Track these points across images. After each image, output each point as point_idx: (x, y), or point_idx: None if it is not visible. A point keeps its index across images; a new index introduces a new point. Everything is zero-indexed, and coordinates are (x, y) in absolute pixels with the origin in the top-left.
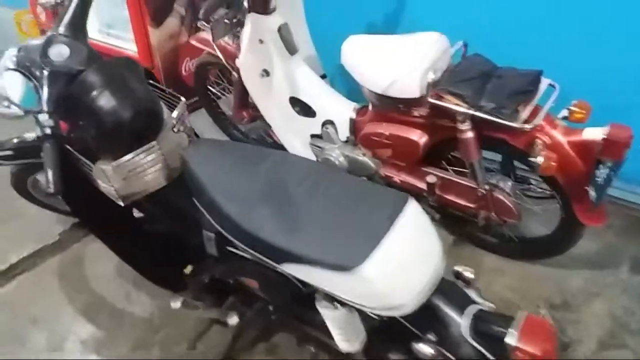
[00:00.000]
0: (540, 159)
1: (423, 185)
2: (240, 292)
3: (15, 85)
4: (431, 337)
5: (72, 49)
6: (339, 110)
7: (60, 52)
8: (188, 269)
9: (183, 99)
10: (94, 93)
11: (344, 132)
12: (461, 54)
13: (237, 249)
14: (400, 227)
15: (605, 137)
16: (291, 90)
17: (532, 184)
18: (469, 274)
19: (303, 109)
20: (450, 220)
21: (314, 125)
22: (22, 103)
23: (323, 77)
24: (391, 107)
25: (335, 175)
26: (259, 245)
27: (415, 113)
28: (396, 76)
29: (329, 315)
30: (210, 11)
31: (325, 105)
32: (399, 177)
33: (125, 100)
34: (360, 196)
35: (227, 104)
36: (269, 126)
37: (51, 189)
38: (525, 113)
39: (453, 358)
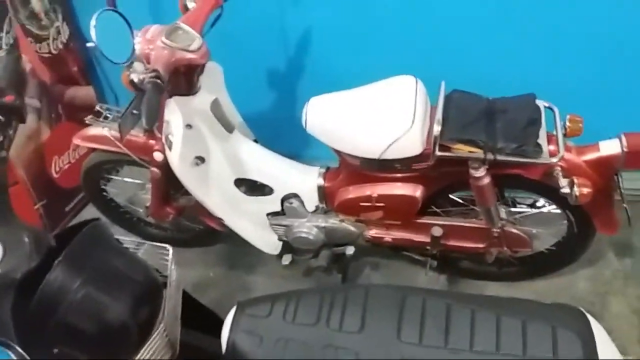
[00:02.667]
0: (575, 190)
1: (422, 238)
2: None
3: None
4: None
5: (4, 242)
6: (302, 180)
7: None
8: None
9: (170, 248)
10: (73, 298)
11: (311, 201)
12: (439, 94)
13: None
14: None
15: (626, 149)
16: (236, 171)
17: (523, 204)
18: None
19: (250, 188)
20: (441, 260)
21: (270, 203)
22: None
23: (255, 141)
24: (379, 168)
25: (456, 307)
26: None
27: (415, 168)
28: (394, 137)
29: None
30: (155, 118)
31: (284, 179)
32: (390, 235)
33: (119, 291)
34: (524, 332)
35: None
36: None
37: None
38: (544, 144)
39: None
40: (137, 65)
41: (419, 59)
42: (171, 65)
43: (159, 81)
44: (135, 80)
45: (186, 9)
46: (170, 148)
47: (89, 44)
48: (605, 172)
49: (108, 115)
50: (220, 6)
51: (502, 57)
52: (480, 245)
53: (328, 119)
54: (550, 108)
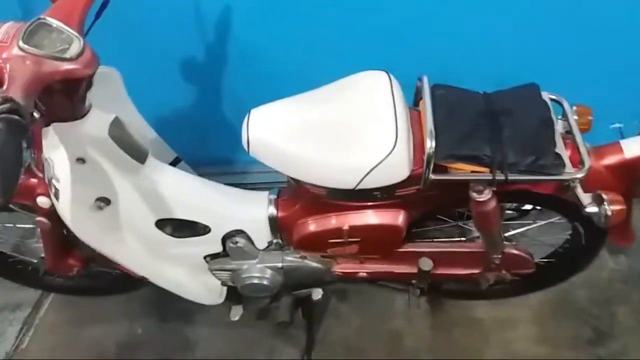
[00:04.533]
0: (606, 208)
1: (405, 269)
2: None
3: None
4: None
5: None
6: (249, 211)
7: None
8: None
9: None
10: None
11: (262, 237)
12: (422, 93)
13: None
14: None
15: None
16: (156, 212)
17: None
18: None
19: (178, 227)
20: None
21: (207, 245)
22: None
23: (177, 160)
24: (351, 197)
25: None
26: None
27: (398, 194)
28: (373, 163)
29: None
30: (15, 181)
31: (222, 213)
32: (365, 270)
33: None
34: None
35: None
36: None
37: None
38: (563, 153)
39: None
40: None
41: (376, 47)
42: (38, 84)
43: (16, 117)
44: None
45: None
46: (57, 197)
47: None
48: (629, 178)
49: None
50: None
51: (475, 37)
52: (476, 271)
53: (279, 139)
54: (557, 101)
